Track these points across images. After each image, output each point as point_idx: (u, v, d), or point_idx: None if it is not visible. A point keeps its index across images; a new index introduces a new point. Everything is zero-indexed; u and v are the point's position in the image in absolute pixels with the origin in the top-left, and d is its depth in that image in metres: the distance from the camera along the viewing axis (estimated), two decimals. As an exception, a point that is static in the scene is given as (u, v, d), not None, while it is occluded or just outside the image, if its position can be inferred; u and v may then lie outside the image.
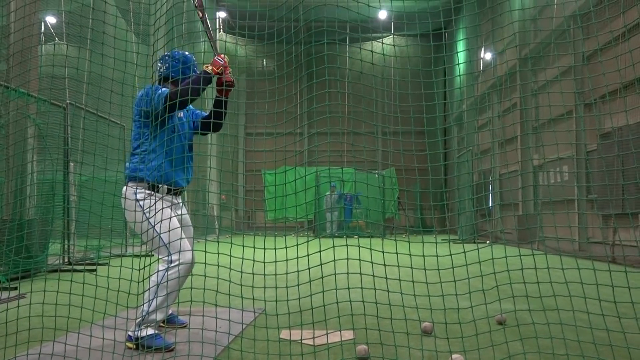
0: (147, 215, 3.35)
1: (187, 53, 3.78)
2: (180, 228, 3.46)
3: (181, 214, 3.68)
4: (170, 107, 3.34)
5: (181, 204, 3.75)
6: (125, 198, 3.45)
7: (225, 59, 3.51)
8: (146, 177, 3.44)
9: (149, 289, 3.33)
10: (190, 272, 3.48)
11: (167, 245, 3.35)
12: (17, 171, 6.91)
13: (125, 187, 3.50)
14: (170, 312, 3.98)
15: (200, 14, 3.63)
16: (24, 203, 6.93)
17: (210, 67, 3.44)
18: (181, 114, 3.72)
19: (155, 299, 3.29)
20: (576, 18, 11.83)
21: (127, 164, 3.56)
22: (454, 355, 3.02)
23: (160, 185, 3.47)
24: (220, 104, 3.64)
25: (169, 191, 3.54)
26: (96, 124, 8.48)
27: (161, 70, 3.72)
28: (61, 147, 8.31)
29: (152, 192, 3.44)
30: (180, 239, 3.39)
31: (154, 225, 3.34)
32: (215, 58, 3.49)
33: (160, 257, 3.41)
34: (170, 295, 3.35)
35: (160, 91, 3.42)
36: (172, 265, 3.34)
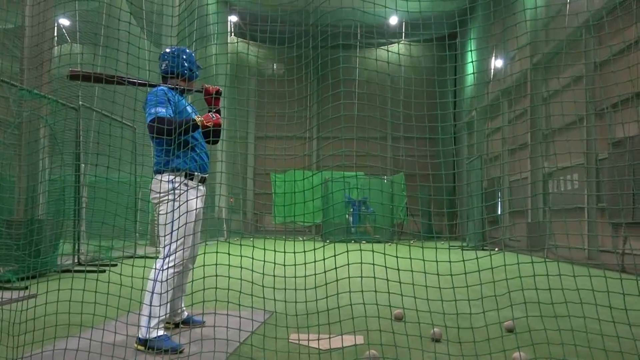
0: (176, 205, 3.43)
1: (184, 48, 3.87)
2: (193, 224, 3.54)
3: (202, 207, 3.80)
4: (155, 128, 3.39)
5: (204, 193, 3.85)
6: (156, 191, 3.53)
7: (219, 119, 3.60)
8: (182, 166, 3.54)
9: (147, 288, 3.41)
10: (187, 268, 3.69)
11: (171, 243, 3.43)
12: (28, 171, 6.97)
13: (155, 179, 3.58)
14: (186, 314, 4.04)
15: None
16: (35, 203, 6.98)
17: (199, 119, 3.51)
18: (189, 108, 3.79)
19: (152, 295, 3.34)
20: (588, 27, 11.79)
21: (155, 158, 3.64)
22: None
23: (195, 174, 3.62)
24: (209, 134, 3.82)
25: (201, 180, 3.69)
26: (109, 127, 8.52)
27: (162, 67, 3.81)
28: (73, 148, 8.36)
29: (187, 181, 3.56)
30: (185, 236, 3.45)
31: (179, 216, 3.42)
32: (210, 115, 3.57)
33: (160, 250, 3.50)
34: (167, 293, 3.39)
35: (151, 110, 3.46)
36: (166, 264, 3.42)
